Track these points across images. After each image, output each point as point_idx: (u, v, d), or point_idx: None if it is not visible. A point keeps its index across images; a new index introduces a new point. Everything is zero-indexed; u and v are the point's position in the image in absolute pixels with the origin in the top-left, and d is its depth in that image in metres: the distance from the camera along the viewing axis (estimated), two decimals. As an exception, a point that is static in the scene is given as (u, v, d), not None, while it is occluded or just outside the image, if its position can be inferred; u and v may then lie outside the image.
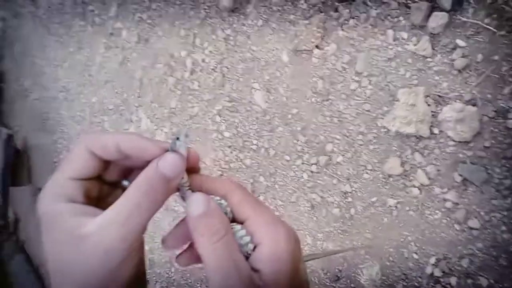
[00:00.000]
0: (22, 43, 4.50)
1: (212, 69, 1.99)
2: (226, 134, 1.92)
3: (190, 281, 2.09)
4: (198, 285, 2.04)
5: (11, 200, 3.49)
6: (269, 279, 0.33)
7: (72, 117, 3.32)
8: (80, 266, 0.31)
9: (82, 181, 0.35)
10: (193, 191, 0.36)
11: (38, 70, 4.06)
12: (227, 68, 1.91)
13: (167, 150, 0.35)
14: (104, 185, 0.39)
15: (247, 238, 0.34)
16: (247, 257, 0.34)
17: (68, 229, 0.32)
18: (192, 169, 0.38)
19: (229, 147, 1.90)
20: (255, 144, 1.79)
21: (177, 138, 0.35)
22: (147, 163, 0.35)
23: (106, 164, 0.37)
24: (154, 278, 2.31)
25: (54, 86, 3.69)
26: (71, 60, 3.39)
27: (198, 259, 0.36)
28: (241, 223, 0.36)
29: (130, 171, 0.39)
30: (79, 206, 0.34)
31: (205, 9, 2.02)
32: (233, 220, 0.37)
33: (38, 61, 4.06)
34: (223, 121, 1.94)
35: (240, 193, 0.37)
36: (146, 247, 2.18)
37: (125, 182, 0.40)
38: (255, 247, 0.34)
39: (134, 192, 0.33)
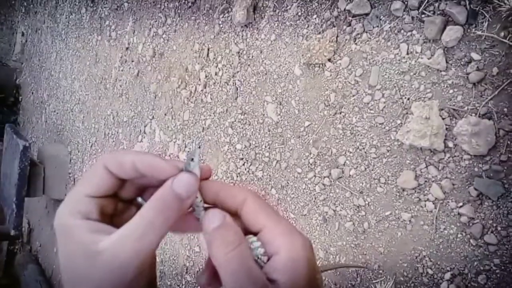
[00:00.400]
0: (40, 57, 4.63)
1: (225, 82, 2.02)
2: (238, 146, 1.93)
3: (200, 294, 2.08)
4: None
5: (25, 210, 3.53)
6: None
7: (87, 129, 3.38)
8: (94, 281, 0.32)
9: (98, 198, 0.36)
10: (206, 209, 0.37)
11: (55, 83, 4.16)
12: (240, 81, 1.94)
13: (181, 170, 0.36)
14: (119, 202, 0.39)
15: (261, 250, 0.34)
16: (261, 267, 0.34)
17: (83, 244, 0.33)
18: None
19: (241, 159, 1.91)
20: (267, 157, 1.79)
21: (192, 159, 0.36)
22: (162, 181, 0.35)
23: (122, 182, 0.38)
24: (164, 290, 2.31)
25: (70, 99, 3.78)
26: (87, 74, 3.47)
27: (219, 280, 0.36)
28: (256, 232, 0.36)
29: (145, 189, 0.40)
30: (94, 223, 0.35)
31: (219, 24, 2.06)
32: (248, 231, 0.37)
33: (55, 74, 4.17)
34: (235, 134, 1.95)
35: (256, 201, 0.37)
36: (158, 259, 2.20)
37: (139, 200, 0.41)
38: (269, 259, 0.34)
39: (149, 210, 0.34)
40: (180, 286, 2.20)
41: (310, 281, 0.34)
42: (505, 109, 1.12)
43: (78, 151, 3.51)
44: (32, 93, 4.82)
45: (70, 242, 0.34)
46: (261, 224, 0.35)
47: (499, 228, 1.12)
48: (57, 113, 4.05)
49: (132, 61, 2.81)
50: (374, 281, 1.37)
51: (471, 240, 1.17)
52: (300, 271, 0.33)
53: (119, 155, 0.36)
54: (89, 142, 3.32)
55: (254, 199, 0.37)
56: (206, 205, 0.38)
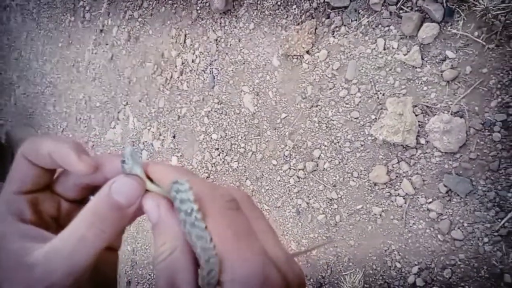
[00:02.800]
0: (9, 36, 4.41)
1: (202, 70, 1.98)
2: (214, 136, 1.90)
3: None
4: None
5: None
6: None
7: (59, 113, 3.27)
8: None
9: (28, 195, 0.33)
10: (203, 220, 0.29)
11: (25, 64, 3.98)
12: (217, 70, 1.90)
13: (93, 167, 0.31)
14: (65, 202, 0.35)
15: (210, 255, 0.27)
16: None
17: (15, 254, 0.29)
18: None
19: (217, 149, 1.89)
20: (242, 148, 1.77)
21: (123, 161, 0.30)
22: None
23: (49, 173, 0.34)
24: (136, 279, 2.28)
25: (41, 81, 3.63)
26: (59, 56, 3.34)
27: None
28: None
29: (94, 189, 0.35)
30: (26, 227, 0.31)
31: (197, 9, 2.01)
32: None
33: (26, 55, 3.99)
34: (211, 123, 1.92)
35: (224, 222, 0.28)
36: (129, 248, 2.15)
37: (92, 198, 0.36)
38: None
39: (80, 222, 0.29)
40: (152, 275, 2.18)
41: None
42: (476, 108, 1.14)
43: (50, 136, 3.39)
44: (0, 73, 4.60)
45: (1, 251, 0.30)
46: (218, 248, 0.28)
47: (465, 224, 1.14)
48: (27, 95, 3.89)
49: (106, 44, 2.71)
50: (343, 273, 1.38)
51: (438, 235, 1.19)
52: None
53: (36, 142, 0.32)
54: (60, 126, 3.21)
55: (215, 216, 0.29)
56: None
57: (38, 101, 3.67)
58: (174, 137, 2.14)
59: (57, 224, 0.34)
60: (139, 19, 2.40)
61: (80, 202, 0.36)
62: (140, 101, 2.38)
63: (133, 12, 2.45)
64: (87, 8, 2.96)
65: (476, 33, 1.15)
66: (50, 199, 0.34)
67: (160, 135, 2.23)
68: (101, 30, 2.76)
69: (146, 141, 2.32)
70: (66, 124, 3.13)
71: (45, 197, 0.34)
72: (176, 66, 2.13)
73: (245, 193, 0.33)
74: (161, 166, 0.31)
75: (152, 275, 2.18)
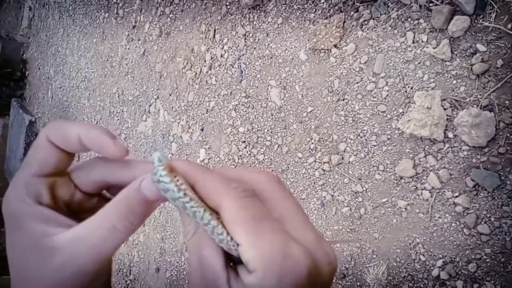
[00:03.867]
0: (48, 32, 4.62)
1: (230, 64, 2.02)
2: (241, 129, 1.94)
3: (198, 271, 2.13)
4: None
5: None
6: None
7: (93, 107, 3.41)
8: (46, 280, 0.29)
9: (47, 178, 0.32)
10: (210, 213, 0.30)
11: (62, 59, 4.17)
12: (245, 64, 1.94)
13: (127, 151, 0.33)
14: (78, 191, 0.35)
15: (224, 237, 0.29)
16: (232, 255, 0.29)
17: (35, 236, 0.30)
18: None
19: (243, 142, 1.93)
20: (268, 140, 1.81)
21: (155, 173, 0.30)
22: (124, 182, 0.32)
23: (70, 159, 0.34)
24: (164, 266, 2.36)
25: (76, 76, 3.79)
26: (94, 51, 3.48)
27: None
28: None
29: (107, 187, 0.36)
30: (46, 211, 0.31)
31: (227, 5, 2.05)
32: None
33: (62, 50, 4.17)
34: (239, 117, 1.96)
35: (232, 208, 0.29)
36: (158, 236, 2.23)
37: (104, 192, 0.37)
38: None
39: (111, 213, 0.30)
40: (180, 263, 2.26)
41: None
42: (507, 102, 1.13)
43: (83, 128, 3.54)
44: (39, 68, 4.83)
45: (19, 232, 0.30)
46: (236, 239, 0.28)
47: (492, 219, 1.13)
48: (63, 89, 4.07)
49: (139, 40, 2.80)
50: (367, 265, 1.40)
51: (464, 230, 1.19)
52: None
53: (63, 126, 0.32)
54: (94, 119, 3.35)
55: (230, 205, 0.29)
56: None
57: (73, 94, 3.84)
58: (202, 130, 2.20)
59: (68, 210, 0.34)
60: (170, 15, 2.48)
61: (91, 195, 0.36)
62: (170, 95, 2.46)
63: (164, 8, 2.53)
64: (120, 4, 3.07)
65: (509, 26, 1.13)
66: (67, 185, 0.34)
67: (189, 128, 2.30)
68: (134, 26, 2.86)
69: (175, 134, 2.40)
70: (100, 117, 3.26)
71: (62, 182, 0.34)
72: (205, 61, 2.19)
73: (272, 175, 0.33)
74: (181, 163, 0.31)
75: (180, 262, 2.26)
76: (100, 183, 0.34)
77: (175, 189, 0.29)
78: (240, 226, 0.28)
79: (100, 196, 0.37)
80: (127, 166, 0.34)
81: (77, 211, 0.35)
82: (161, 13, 2.56)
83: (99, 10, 3.42)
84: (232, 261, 0.30)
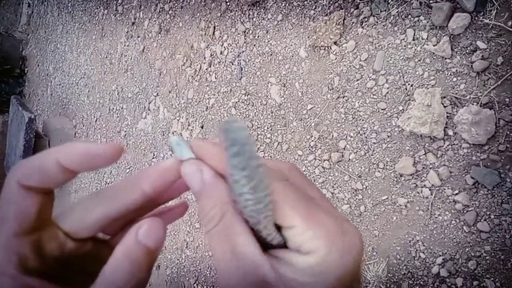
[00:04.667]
0: (47, 29, 4.61)
1: (230, 61, 2.02)
2: (241, 126, 1.94)
3: (199, 267, 2.14)
4: (207, 272, 2.09)
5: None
6: None
7: (92, 104, 3.40)
8: None
9: (30, 235, 0.27)
10: None
11: (61, 56, 4.16)
12: (245, 61, 1.93)
13: (121, 147, 0.28)
14: (67, 239, 0.30)
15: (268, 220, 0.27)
16: (270, 245, 0.28)
17: None
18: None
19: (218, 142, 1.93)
20: (268, 138, 1.81)
21: (172, 152, 0.30)
22: (117, 213, 0.29)
23: (52, 201, 0.29)
24: (165, 263, 2.37)
25: (76, 73, 3.78)
26: (93, 48, 3.47)
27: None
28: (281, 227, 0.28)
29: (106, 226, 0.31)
30: (33, 282, 0.26)
31: (226, 1, 2.04)
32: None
33: (61, 47, 4.16)
34: (239, 114, 1.96)
35: (284, 186, 0.28)
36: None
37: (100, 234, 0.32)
38: (280, 233, 0.28)
39: (115, 276, 0.25)
40: (180, 260, 2.27)
41: None
42: (507, 99, 1.12)
43: (83, 125, 3.54)
44: (38, 65, 4.82)
45: None
46: (286, 221, 0.27)
47: (492, 216, 1.14)
48: (63, 86, 4.07)
49: (138, 37, 2.80)
50: (367, 263, 1.40)
51: (464, 227, 1.19)
52: (328, 284, 0.26)
53: (33, 160, 0.27)
54: (94, 116, 3.35)
55: (277, 187, 0.27)
56: None
57: (72, 91, 3.83)
58: (202, 127, 2.20)
59: (59, 265, 0.29)
60: (170, 12, 2.47)
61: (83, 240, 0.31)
62: (170, 92, 2.45)
63: (163, 5, 2.52)
64: (119, 1, 3.05)
65: (510, 23, 1.13)
66: (54, 236, 0.29)
67: (189, 125, 2.30)
68: (133, 23, 2.85)
69: (175, 131, 2.39)
70: (100, 114, 3.26)
71: (48, 235, 0.28)
72: (205, 58, 2.19)
73: (291, 164, 0.32)
74: (203, 143, 0.30)
75: (180, 259, 2.27)
76: (101, 222, 0.29)
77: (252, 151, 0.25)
78: (293, 207, 0.27)
79: (93, 239, 0.32)
80: (130, 183, 0.29)
81: (68, 262, 0.29)
82: (161, 9, 2.55)
83: (98, 7, 3.41)
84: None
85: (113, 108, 3.08)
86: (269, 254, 0.27)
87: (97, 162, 0.27)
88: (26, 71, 5.23)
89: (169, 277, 2.33)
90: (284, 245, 0.28)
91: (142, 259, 0.26)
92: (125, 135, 2.90)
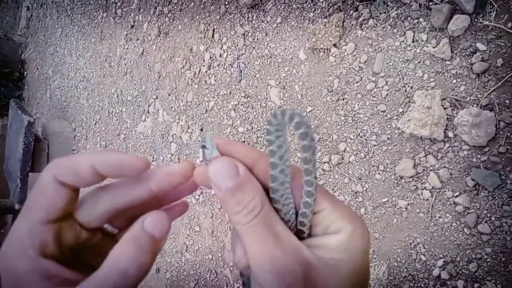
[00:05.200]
0: (46, 32, 4.61)
1: (230, 64, 2.02)
2: (240, 129, 1.94)
3: (199, 271, 2.13)
4: (207, 275, 2.08)
5: (29, 185, 3.59)
6: (329, 270, 0.29)
7: (92, 107, 3.40)
8: None
9: (54, 224, 0.29)
10: None
11: (60, 59, 4.16)
12: (244, 64, 1.93)
13: (148, 164, 0.31)
14: (82, 229, 0.32)
15: (293, 212, 0.31)
16: (300, 236, 0.31)
17: None
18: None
19: (243, 142, 1.93)
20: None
21: (204, 146, 0.31)
22: (129, 206, 0.31)
23: (76, 198, 0.31)
24: (164, 267, 2.36)
25: (75, 76, 3.78)
26: (92, 51, 3.47)
27: None
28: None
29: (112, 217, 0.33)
30: (51, 265, 0.28)
31: (226, 4, 2.04)
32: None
33: (61, 50, 4.16)
34: (238, 117, 1.96)
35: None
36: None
37: (107, 226, 0.34)
38: (310, 226, 0.31)
39: (120, 257, 0.27)
40: (180, 263, 2.26)
41: (365, 268, 0.31)
42: (507, 101, 1.12)
43: (82, 128, 3.54)
44: (37, 68, 4.82)
45: None
46: (316, 207, 0.30)
47: (493, 218, 1.13)
48: (62, 89, 4.06)
49: (137, 40, 2.80)
50: (369, 263, 1.40)
51: (465, 229, 1.19)
52: (359, 256, 0.30)
53: (72, 159, 0.29)
54: (93, 120, 3.34)
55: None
56: None
57: (72, 95, 3.83)
58: (201, 130, 2.20)
59: (72, 254, 0.31)
60: (169, 15, 2.47)
61: (94, 230, 0.34)
62: (169, 95, 2.45)
63: (163, 8, 2.52)
64: (118, 4, 3.05)
65: (509, 24, 1.13)
66: (72, 227, 0.31)
67: (188, 128, 2.29)
68: (132, 26, 2.85)
69: (174, 134, 2.39)
70: (99, 117, 3.26)
71: (68, 226, 0.31)
72: (204, 61, 2.18)
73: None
74: (232, 141, 0.32)
75: (180, 263, 2.26)
76: (109, 213, 0.32)
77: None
78: (322, 193, 0.31)
79: (102, 231, 0.34)
80: (139, 179, 0.31)
81: (80, 251, 0.32)
82: (160, 12, 2.55)
83: (97, 10, 3.41)
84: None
85: (112, 111, 3.08)
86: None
87: (127, 172, 0.30)
88: (25, 75, 5.23)
89: (169, 281, 2.32)
90: (304, 236, 0.31)
91: (146, 246, 0.28)
92: (125, 138, 2.89)
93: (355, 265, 0.30)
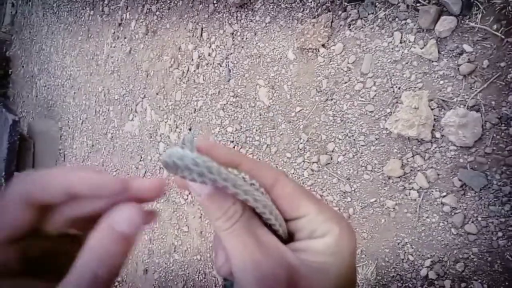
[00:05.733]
0: (31, 30, 4.52)
1: (218, 63, 2.00)
2: (229, 129, 1.93)
3: (188, 271, 2.11)
4: (196, 276, 2.06)
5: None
6: (314, 274, 0.28)
7: (78, 106, 3.35)
8: None
9: (18, 243, 0.28)
10: None
11: (46, 57, 4.08)
12: (233, 63, 1.92)
13: (126, 186, 0.29)
14: (43, 239, 0.30)
15: (275, 213, 0.30)
16: (282, 239, 0.31)
17: None
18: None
19: (232, 142, 1.91)
20: (257, 140, 1.79)
21: (182, 147, 0.28)
22: (92, 208, 0.29)
23: (44, 212, 0.29)
24: (152, 267, 2.34)
25: (61, 74, 3.72)
26: (79, 49, 3.41)
27: None
28: (291, 219, 0.31)
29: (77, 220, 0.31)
30: (16, 284, 0.27)
31: (214, 3, 2.03)
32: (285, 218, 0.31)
33: (46, 48, 4.09)
34: (227, 116, 1.95)
35: (291, 183, 0.31)
36: (146, 237, 2.20)
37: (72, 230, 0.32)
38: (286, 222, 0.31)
39: (88, 259, 0.26)
40: (168, 264, 2.24)
41: (352, 270, 0.30)
42: (493, 102, 1.13)
43: (69, 128, 3.48)
44: (23, 66, 4.73)
45: None
46: (301, 211, 0.30)
47: (479, 219, 1.14)
48: (48, 88, 4.00)
49: (125, 38, 2.76)
50: (356, 265, 1.40)
51: (452, 229, 1.19)
52: (346, 259, 0.29)
53: (43, 176, 0.28)
54: (80, 118, 3.29)
55: (288, 180, 0.30)
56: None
57: (58, 93, 3.77)
58: (190, 129, 2.18)
59: (39, 263, 0.30)
60: (157, 13, 2.44)
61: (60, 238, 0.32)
62: (157, 94, 2.42)
63: (151, 6, 2.49)
64: (105, 2, 3.01)
65: (495, 26, 1.14)
66: (36, 240, 0.30)
67: (176, 127, 2.27)
68: (120, 24, 2.81)
69: (163, 133, 2.37)
70: (86, 116, 3.21)
71: (32, 240, 0.29)
72: (192, 60, 2.16)
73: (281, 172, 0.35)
74: (213, 143, 0.31)
75: (168, 263, 2.24)
76: (74, 220, 0.29)
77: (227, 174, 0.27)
78: (306, 196, 0.30)
79: (69, 237, 0.32)
80: (100, 192, 0.28)
81: (50, 259, 0.30)
82: (148, 10, 2.52)
83: (84, 7, 3.35)
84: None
85: (99, 110, 3.04)
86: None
87: (104, 194, 0.28)
88: (10, 72, 5.13)
89: (156, 282, 2.30)
90: (287, 240, 0.31)
91: (116, 245, 0.26)
92: (112, 137, 2.85)
93: (342, 268, 0.29)
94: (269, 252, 0.28)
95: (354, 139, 1.43)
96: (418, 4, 1.28)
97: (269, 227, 0.30)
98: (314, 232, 0.29)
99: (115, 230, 0.27)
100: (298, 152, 1.62)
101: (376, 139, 1.38)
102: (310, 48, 1.57)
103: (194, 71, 2.15)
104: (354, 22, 1.45)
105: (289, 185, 0.30)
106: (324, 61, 1.53)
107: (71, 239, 0.32)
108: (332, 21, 1.51)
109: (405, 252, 1.29)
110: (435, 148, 1.24)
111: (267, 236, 0.29)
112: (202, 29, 2.11)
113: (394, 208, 1.32)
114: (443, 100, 1.23)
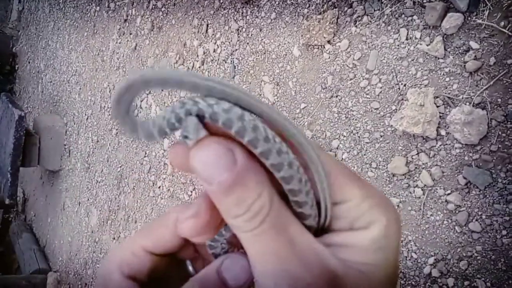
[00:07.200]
0: (38, 26, 4.55)
1: (223, 60, 2.00)
2: (234, 125, 1.93)
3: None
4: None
5: (20, 180, 3.55)
6: (360, 280, 0.23)
7: (84, 101, 3.37)
8: None
9: (155, 256, 0.29)
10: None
11: (52, 53, 4.11)
12: (238, 59, 1.92)
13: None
14: (172, 262, 0.31)
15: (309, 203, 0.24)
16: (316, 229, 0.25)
17: None
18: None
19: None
20: (261, 137, 1.79)
21: (185, 137, 0.22)
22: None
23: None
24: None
25: (67, 70, 3.74)
26: (85, 45, 3.43)
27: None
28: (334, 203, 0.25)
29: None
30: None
31: (220, -1, 2.03)
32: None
33: (53, 44, 4.11)
34: (231, 112, 1.95)
35: (333, 162, 0.25)
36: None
37: (188, 264, 0.32)
38: (325, 216, 0.25)
39: None
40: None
41: (397, 270, 0.25)
42: (499, 100, 1.13)
43: (74, 123, 3.50)
44: (29, 62, 4.76)
45: None
46: (344, 195, 0.24)
47: (484, 217, 1.14)
48: (54, 83, 4.02)
49: (130, 34, 2.77)
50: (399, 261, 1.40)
51: (456, 227, 1.19)
52: (393, 257, 0.24)
53: (124, 250, 0.29)
54: (85, 114, 3.31)
55: (330, 159, 0.24)
56: None
57: (64, 89, 3.79)
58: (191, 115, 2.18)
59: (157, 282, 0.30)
60: (163, 9, 2.44)
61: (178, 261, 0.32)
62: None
63: (156, 2, 2.49)
64: (111, -2, 3.02)
65: (502, 23, 1.13)
66: (166, 259, 0.30)
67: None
68: (125, 20, 2.82)
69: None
70: (91, 112, 3.23)
71: (164, 259, 0.31)
72: (197, 56, 2.17)
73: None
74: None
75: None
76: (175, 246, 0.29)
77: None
78: (349, 178, 0.24)
79: (173, 257, 0.31)
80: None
81: (155, 280, 0.31)
82: (153, 6, 2.53)
83: (90, 3, 3.37)
84: None
85: (104, 106, 3.05)
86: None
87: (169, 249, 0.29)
88: (16, 68, 5.16)
89: None
90: (323, 231, 0.25)
91: None
92: (117, 133, 2.87)
93: (389, 268, 0.24)
94: (307, 260, 0.22)
95: (358, 136, 1.43)
96: (424, 1, 1.28)
97: (305, 218, 0.24)
98: (356, 222, 0.24)
99: (221, 275, 0.26)
100: (302, 148, 1.62)
101: (381, 136, 1.37)
102: (315, 45, 1.57)
103: (199, 67, 2.15)
104: (360, 18, 1.44)
105: (329, 162, 0.24)
106: (329, 58, 1.53)
107: (177, 263, 0.32)
108: (338, 18, 1.50)
109: (408, 250, 1.28)
110: (440, 145, 1.23)
111: (302, 236, 0.22)
112: (207, 25, 2.11)
113: (398, 205, 1.32)
114: (448, 97, 1.22)
